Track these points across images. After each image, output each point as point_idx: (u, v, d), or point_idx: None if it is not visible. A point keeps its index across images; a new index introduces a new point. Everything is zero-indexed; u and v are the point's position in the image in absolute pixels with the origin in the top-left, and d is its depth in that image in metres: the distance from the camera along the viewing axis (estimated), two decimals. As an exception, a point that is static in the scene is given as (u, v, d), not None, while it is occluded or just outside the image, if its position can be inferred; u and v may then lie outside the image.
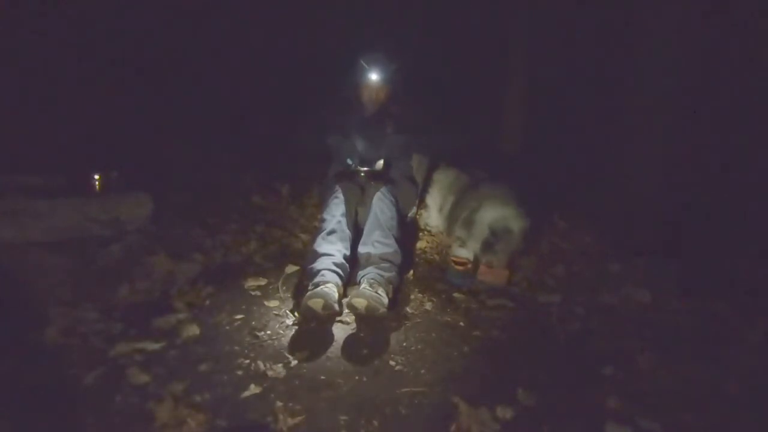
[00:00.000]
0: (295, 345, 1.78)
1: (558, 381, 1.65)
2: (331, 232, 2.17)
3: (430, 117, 2.68)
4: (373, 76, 2.47)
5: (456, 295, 2.23)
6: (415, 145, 2.66)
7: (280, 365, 1.65)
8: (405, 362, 1.72)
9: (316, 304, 1.83)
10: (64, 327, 1.77)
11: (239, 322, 1.92)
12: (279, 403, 1.46)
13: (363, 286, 1.95)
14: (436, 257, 2.67)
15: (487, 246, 2.29)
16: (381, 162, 2.47)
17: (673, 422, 1.46)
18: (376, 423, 1.41)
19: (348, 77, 2.54)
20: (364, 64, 2.48)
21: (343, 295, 2.04)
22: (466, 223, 2.36)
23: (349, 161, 2.45)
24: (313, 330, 1.88)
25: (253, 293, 2.15)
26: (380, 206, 2.24)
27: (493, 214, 2.32)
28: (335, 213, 2.22)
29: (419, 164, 2.82)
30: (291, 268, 2.37)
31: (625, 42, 3.07)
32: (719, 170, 3.49)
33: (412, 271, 2.41)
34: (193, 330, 1.83)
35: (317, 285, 1.93)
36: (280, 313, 1.99)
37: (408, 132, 2.54)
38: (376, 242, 2.14)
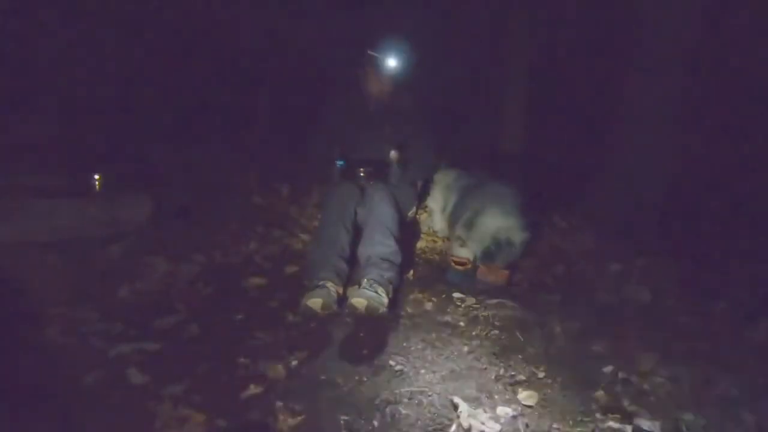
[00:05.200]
0: (295, 345, 1.77)
1: (558, 381, 1.65)
2: (331, 233, 2.17)
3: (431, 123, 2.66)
4: (386, 65, 2.42)
5: (456, 295, 2.23)
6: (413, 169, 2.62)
7: (280, 365, 1.65)
8: (405, 362, 1.72)
9: (315, 303, 1.83)
10: (64, 327, 1.77)
11: (239, 322, 1.92)
12: (279, 403, 1.46)
13: (363, 286, 1.95)
14: (436, 257, 2.67)
15: (488, 255, 2.30)
16: (394, 153, 2.45)
17: (673, 422, 1.46)
18: (376, 423, 1.41)
19: (354, 72, 2.50)
20: (375, 54, 2.42)
21: (343, 295, 2.04)
22: (467, 224, 2.36)
23: (339, 163, 2.42)
24: (313, 330, 1.88)
25: (253, 293, 2.15)
26: (380, 206, 2.24)
27: (497, 222, 2.32)
28: (334, 213, 2.22)
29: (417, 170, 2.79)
30: (291, 268, 2.37)
31: (627, 41, 3.07)
32: (720, 170, 3.49)
33: (412, 271, 2.41)
34: (193, 330, 1.83)
35: (316, 285, 1.93)
36: (280, 313, 1.99)
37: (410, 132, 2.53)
38: (376, 242, 2.14)
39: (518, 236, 2.31)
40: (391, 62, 2.41)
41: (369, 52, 2.43)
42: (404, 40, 2.45)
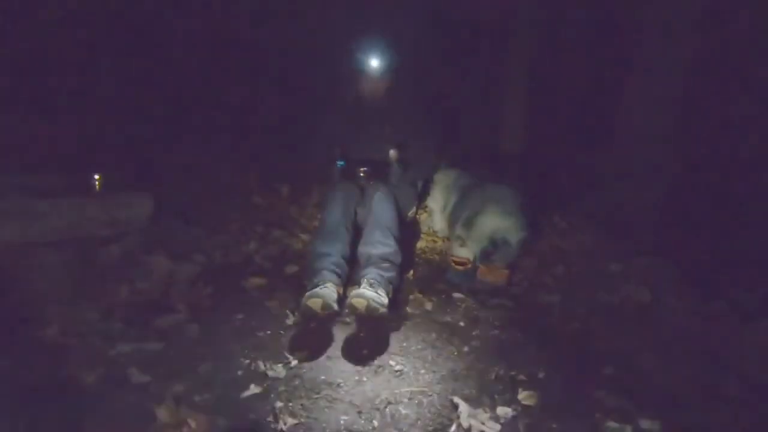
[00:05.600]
0: (295, 345, 1.78)
1: (558, 381, 1.65)
2: (331, 232, 2.17)
3: (427, 123, 2.67)
4: (372, 67, 2.45)
5: (456, 295, 2.23)
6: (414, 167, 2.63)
7: (280, 365, 1.65)
8: (405, 362, 1.72)
9: (315, 303, 1.83)
10: (64, 327, 1.77)
11: (239, 322, 1.92)
12: (279, 403, 1.46)
13: (363, 286, 1.95)
14: (436, 257, 2.67)
15: (485, 255, 2.30)
16: (393, 152, 2.46)
17: (673, 422, 1.46)
18: (376, 423, 1.41)
19: (346, 74, 2.53)
20: (363, 57, 2.45)
21: (343, 295, 2.04)
22: (467, 224, 2.37)
23: (339, 163, 2.44)
24: (313, 330, 1.88)
25: (253, 293, 2.15)
26: (380, 206, 2.24)
27: (495, 223, 2.32)
28: (335, 213, 2.22)
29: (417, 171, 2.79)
30: (291, 268, 2.37)
31: (627, 42, 3.07)
32: (719, 170, 3.49)
33: (412, 271, 2.41)
34: (193, 330, 1.83)
35: (316, 285, 1.93)
36: (280, 313, 1.99)
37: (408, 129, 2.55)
38: (376, 242, 2.14)
39: (515, 236, 2.32)
40: (374, 62, 2.44)
41: (356, 53, 2.46)
42: (385, 40, 2.49)
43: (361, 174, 2.43)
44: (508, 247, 2.32)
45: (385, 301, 1.93)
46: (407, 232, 2.53)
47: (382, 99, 2.55)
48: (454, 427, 1.41)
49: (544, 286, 2.35)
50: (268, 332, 1.86)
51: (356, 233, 2.27)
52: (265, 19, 4.47)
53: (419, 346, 1.82)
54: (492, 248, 2.29)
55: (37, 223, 2.17)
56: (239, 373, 1.61)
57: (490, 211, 2.35)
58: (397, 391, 1.56)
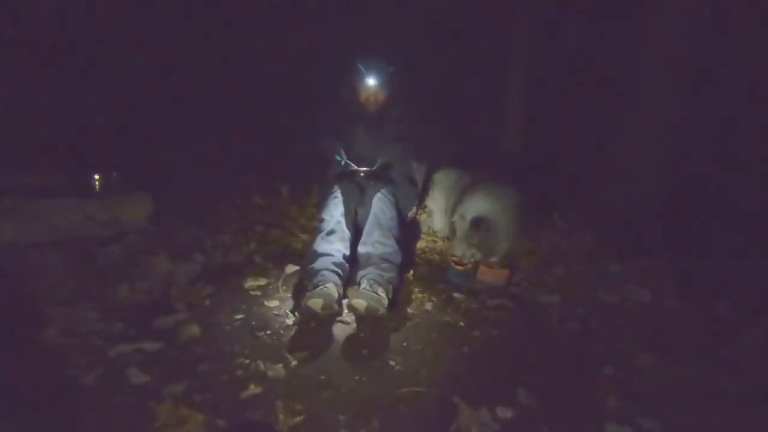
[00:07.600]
0: (295, 345, 1.78)
1: (558, 381, 1.65)
2: (331, 233, 2.17)
3: (429, 121, 2.67)
4: (371, 81, 2.45)
5: (456, 295, 2.23)
6: (414, 153, 2.63)
7: (280, 365, 1.65)
8: (405, 362, 1.72)
9: (315, 304, 1.83)
10: (64, 327, 1.78)
11: (239, 322, 1.92)
12: (279, 403, 1.46)
13: (363, 286, 1.95)
14: (436, 257, 2.67)
15: (466, 239, 2.31)
16: (378, 163, 2.46)
17: (673, 422, 1.46)
18: (376, 423, 1.41)
19: (345, 80, 2.53)
20: (362, 68, 2.45)
21: (343, 295, 2.04)
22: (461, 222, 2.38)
23: (339, 158, 2.42)
24: (313, 330, 1.88)
25: (253, 293, 2.15)
26: (380, 206, 2.24)
27: (473, 207, 2.36)
28: (334, 213, 2.22)
29: (418, 168, 2.80)
30: (291, 268, 2.37)
31: (626, 42, 3.07)
32: (719, 170, 3.49)
33: (412, 271, 2.41)
34: (193, 330, 1.83)
35: (317, 285, 1.93)
36: (280, 313, 1.99)
37: (407, 138, 2.54)
38: (376, 242, 2.14)
39: (470, 214, 2.38)
40: (371, 81, 2.45)
41: (357, 64, 2.46)
42: (388, 60, 2.48)
43: (362, 174, 2.42)
44: (462, 222, 2.38)
45: (385, 301, 1.93)
46: (407, 232, 2.53)
47: (374, 106, 2.54)
48: (454, 427, 1.41)
49: (544, 286, 2.35)
50: (268, 332, 1.86)
51: (356, 233, 2.26)
52: (266, 20, 4.47)
53: (419, 346, 1.82)
54: (470, 231, 2.35)
55: (37, 223, 2.18)
56: (239, 373, 1.61)
57: (468, 200, 2.42)
58: (397, 391, 1.56)
